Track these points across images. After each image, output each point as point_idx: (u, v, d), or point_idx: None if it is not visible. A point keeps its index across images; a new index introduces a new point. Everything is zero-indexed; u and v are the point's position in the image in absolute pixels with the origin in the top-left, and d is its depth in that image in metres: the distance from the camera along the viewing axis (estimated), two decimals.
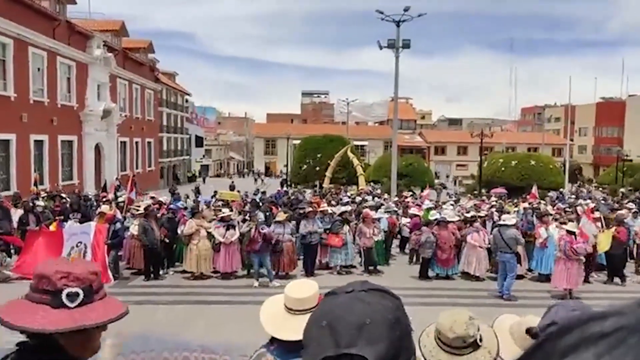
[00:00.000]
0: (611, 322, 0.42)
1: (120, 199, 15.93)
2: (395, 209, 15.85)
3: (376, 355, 0.80)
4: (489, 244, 11.23)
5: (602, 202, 21.53)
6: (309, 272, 11.65)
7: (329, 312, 0.88)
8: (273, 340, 2.20)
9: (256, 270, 10.85)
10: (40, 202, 14.69)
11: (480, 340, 2.04)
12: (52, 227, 11.88)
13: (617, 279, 11.48)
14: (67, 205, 15.88)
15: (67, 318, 1.30)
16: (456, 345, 2.05)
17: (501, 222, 10.56)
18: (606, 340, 0.40)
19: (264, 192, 24.08)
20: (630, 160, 44.51)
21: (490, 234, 11.77)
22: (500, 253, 10.11)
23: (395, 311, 0.89)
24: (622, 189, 32.59)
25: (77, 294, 1.32)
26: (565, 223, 11.38)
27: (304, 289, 2.28)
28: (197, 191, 25.52)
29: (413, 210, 14.35)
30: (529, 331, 1.55)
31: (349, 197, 20.51)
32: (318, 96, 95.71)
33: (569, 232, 9.87)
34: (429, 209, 15.53)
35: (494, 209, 15.12)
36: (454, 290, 10.63)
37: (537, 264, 11.72)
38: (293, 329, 2.10)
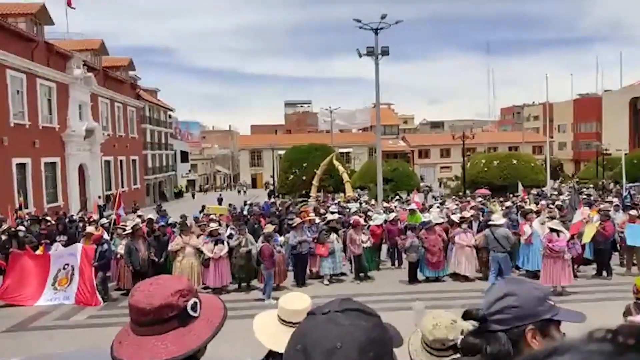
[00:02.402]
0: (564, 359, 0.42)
1: (104, 220, 15.82)
2: (385, 215, 15.97)
3: None
4: (477, 243, 11.44)
5: (584, 196, 21.94)
6: (300, 282, 11.69)
7: (304, 335, 0.90)
8: (269, 355, 2.26)
9: (271, 286, 10.53)
10: (22, 227, 14.48)
11: None
12: (38, 251, 11.78)
13: (604, 273, 11.72)
14: (53, 228, 15.69)
15: (205, 326, 1.30)
16: (435, 347, 2.16)
17: (491, 222, 10.82)
18: None
19: (251, 204, 24.05)
20: (610, 154, 45.38)
21: (477, 233, 12.00)
22: (493, 253, 10.38)
23: (370, 331, 0.88)
24: (602, 181, 33.28)
25: (196, 303, 1.32)
26: (553, 218, 11.63)
27: (298, 301, 2.36)
28: (159, 209, 23.64)
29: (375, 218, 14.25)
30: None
31: (337, 205, 20.61)
32: (301, 106, 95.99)
33: (551, 230, 10.07)
34: (413, 212, 15.72)
35: (478, 210, 15.36)
36: (445, 292, 10.73)
37: (524, 261, 11.92)
38: (283, 340, 2.18)
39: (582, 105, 64.92)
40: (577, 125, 65.59)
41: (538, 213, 13.26)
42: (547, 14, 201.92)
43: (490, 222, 10.95)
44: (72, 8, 27.68)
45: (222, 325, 1.35)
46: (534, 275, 11.48)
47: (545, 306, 1.30)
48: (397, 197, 28.51)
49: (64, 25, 44.68)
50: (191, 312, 1.29)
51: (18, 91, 23.50)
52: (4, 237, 12.86)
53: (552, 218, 13.00)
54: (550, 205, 16.88)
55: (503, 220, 11.00)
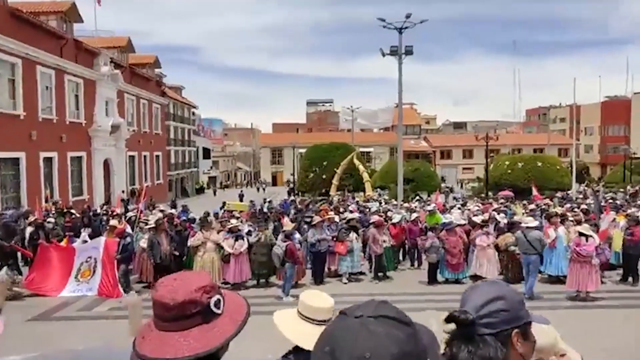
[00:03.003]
0: None
1: (130, 214, 16.12)
2: (405, 214, 15.88)
3: None
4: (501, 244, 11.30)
5: (611, 201, 21.40)
6: (318, 280, 11.70)
7: (334, 337, 0.87)
8: (290, 352, 2.26)
9: (291, 283, 10.53)
10: (51, 219, 14.91)
11: None
12: (62, 243, 12.07)
13: (630, 279, 11.40)
14: (78, 221, 16.06)
15: (228, 323, 1.30)
16: None
17: (524, 224, 10.78)
18: None
19: (270, 202, 24.19)
20: (638, 158, 44.16)
21: (496, 237, 11.83)
22: (525, 255, 10.35)
23: (403, 344, 0.84)
24: (629, 186, 32.41)
25: (219, 300, 1.31)
26: (580, 223, 11.38)
27: (320, 299, 2.35)
28: (173, 205, 24.97)
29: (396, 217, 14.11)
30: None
31: (357, 205, 20.58)
32: (323, 105, 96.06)
33: (580, 234, 9.83)
34: (432, 213, 15.60)
35: (500, 212, 15.13)
36: None
37: (547, 265, 11.69)
38: (303, 334, 2.18)
39: (610, 108, 63.28)
40: (604, 128, 63.97)
41: (563, 217, 12.99)
42: (576, 15, 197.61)
43: (523, 225, 10.85)
44: (99, 5, 28.25)
45: (245, 322, 1.35)
46: (556, 279, 11.27)
47: (525, 309, 1.32)
48: (418, 197, 28.29)
49: (92, 23, 45.57)
50: (214, 309, 1.28)
51: (47, 87, 24.08)
52: (30, 229, 13.22)
53: (578, 222, 12.71)
54: (575, 209, 16.53)
55: (536, 223, 10.93)
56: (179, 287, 1.27)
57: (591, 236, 9.79)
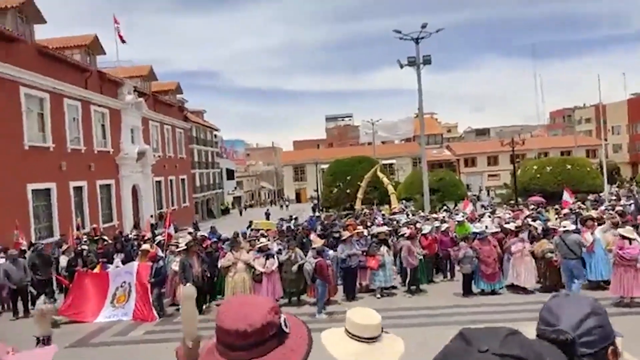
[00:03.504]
0: None
1: (159, 238, 16.29)
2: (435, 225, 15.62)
3: None
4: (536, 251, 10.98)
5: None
6: (350, 296, 11.55)
7: None
8: None
9: (323, 300, 10.46)
10: (84, 246, 15.19)
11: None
12: (96, 269, 12.25)
13: None
14: (110, 247, 16.32)
15: (297, 342, 1.26)
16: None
17: (562, 229, 10.63)
18: None
19: (296, 219, 24.19)
20: None
21: (531, 243, 11.51)
22: (565, 260, 10.21)
23: None
24: None
25: (285, 318, 1.28)
26: (617, 225, 11.02)
27: (368, 316, 2.29)
28: (196, 227, 24.83)
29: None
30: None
31: (383, 217, 20.38)
32: (342, 119, 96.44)
33: (623, 237, 9.48)
34: (461, 223, 15.29)
35: (533, 218, 14.75)
36: (505, 306, 10.22)
37: (587, 271, 11.28)
38: (352, 352, 2.12)
39: (637, 105, 61.70)
40: (632, 126, 62.36)
41: (599, 220, 12.58)
42: (594, 13, 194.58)
43: (561, 229, 10.68)
44: (124, 42, 29.01)
45: (312, 339, 1.30)
46: (597, 285, 10.86)
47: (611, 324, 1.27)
48: (445, 207, 27.87)
49: (114, 54, 46.99)
50: (285, 329, 1.24)
51: (74, 118, 24.81)
52: (65, 257, 13.47)
53: (615, 225, 12.29)
54: (610, 211, 16.00)
55: (573, 227, 10.73)
56: (250, 311, 1.21)
57: (635, 239, 9.42)
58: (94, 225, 23.09)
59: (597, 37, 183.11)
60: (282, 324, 1.24)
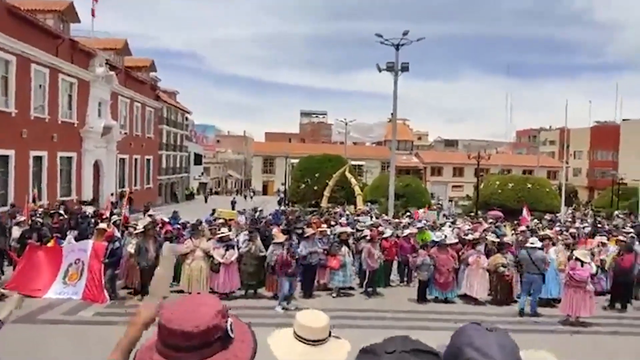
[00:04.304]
0: None
1: (115, 217, 15.93)
2: (397, 230, 15.87)
3: None
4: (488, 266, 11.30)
5: (600, 226, 21.58)
6: (307, 293, 11.60)
7: None
8: None
9: (284, 294, 10.46)
10: (38, 219, 14.65)
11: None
12: (50, 244, 11.87)
13: (617, 305, 11.43)
14: (65, 222, 15.82)
15: (241, 346, 1.23)
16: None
17: (528, 245, 11.06)
18: None
19: (261, 211, 24.07)
20: (625, 184, 44.76)
21: (487, 256, 11.85)
22: (527, 274, 10.69)
23: None
24: (616, 212, 32.70)
25: (232, 323, 1.24)
26: (569, 246, 11.51)
27: (315, 318, 2.31)
28: (146, 209, 24.09)
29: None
30: None
31: (347, 218, 20.54)
32: (316, 116, 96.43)
33: (577, 259, 9.86)
34: (421, 230, 15.59)
35: (489, 232, 15.18)
36: (455, 314, 10.48)
37: None
38: (296, 354, 2.14)
39: (599, 133, 64.32)
40: (593, 152, 64.93)
41: (551, 239, 13.06)
42: (571, 39, 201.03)
43: (527, 245, 11.13)
44: (93, 16, 28.15)
45: (256, 345, 1.28)
46: (546, 302, 11.27)
47: None
48: (408, 213, 28.31)
49: (89, 24, 45.45)
50: (230, 334, 1.21)
51: (40, 85, 23.87)
52: (19, 229, 12.96)
53: (567, 246, 12.79)
54: (565, 232, 16.64)
55: (540, 244, 11.17)
56: (198, 313, 1.17)
57: (588, 262, 9.83)
58: (65, 199, 21.99)
59: (570, 63, 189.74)
60: (229, 328, 1.21)
